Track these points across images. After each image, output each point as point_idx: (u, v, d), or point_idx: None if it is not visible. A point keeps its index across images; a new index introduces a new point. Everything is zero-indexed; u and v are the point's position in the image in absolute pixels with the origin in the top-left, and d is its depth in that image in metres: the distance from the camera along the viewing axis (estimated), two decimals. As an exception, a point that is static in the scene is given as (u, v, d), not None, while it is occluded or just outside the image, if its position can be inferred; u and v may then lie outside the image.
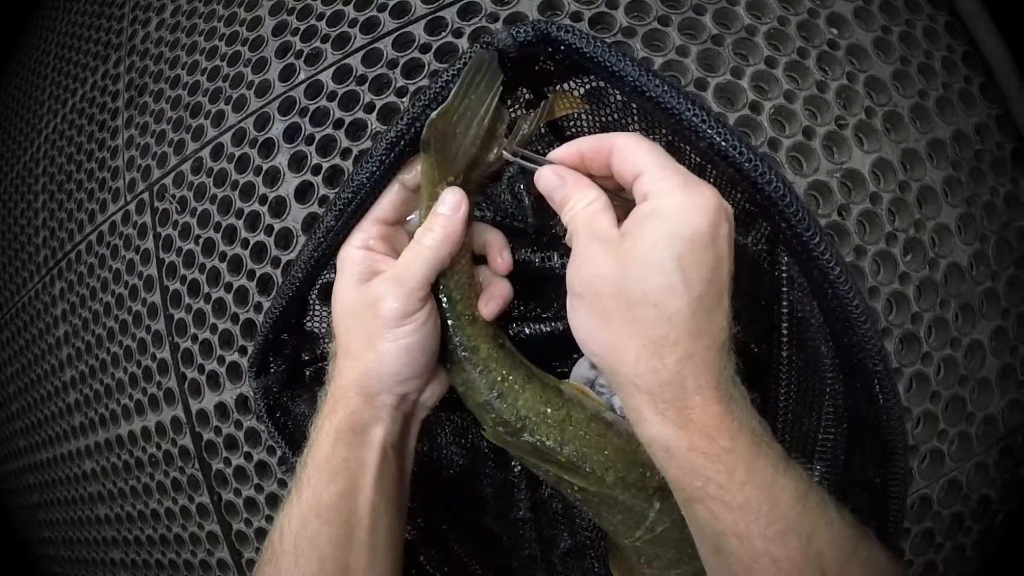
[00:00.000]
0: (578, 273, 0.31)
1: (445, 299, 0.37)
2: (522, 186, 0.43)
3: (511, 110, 0.37)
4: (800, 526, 0.28)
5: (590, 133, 0.40)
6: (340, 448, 0.35)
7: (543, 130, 0.40)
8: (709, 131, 0.31)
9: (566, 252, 0.41)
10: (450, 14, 0.55)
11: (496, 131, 0.35)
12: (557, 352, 0.44)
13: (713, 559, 0.30)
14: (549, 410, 0.37)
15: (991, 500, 0.63)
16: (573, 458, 0.36)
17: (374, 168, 0.35)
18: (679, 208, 0.29)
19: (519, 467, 0.47)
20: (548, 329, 0.43)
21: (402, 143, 0.35)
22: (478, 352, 0.37)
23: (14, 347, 0.95)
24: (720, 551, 0.29)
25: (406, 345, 0.35)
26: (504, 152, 0.36)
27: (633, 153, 0.31)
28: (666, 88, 0.31)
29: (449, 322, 0.37)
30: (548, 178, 0.34)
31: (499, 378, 0.37)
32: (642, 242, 0.29)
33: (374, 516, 0.35)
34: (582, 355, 0.44)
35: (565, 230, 0.41)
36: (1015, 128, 0.67)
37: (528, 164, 0.35)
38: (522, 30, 0.33)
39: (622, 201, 0.32)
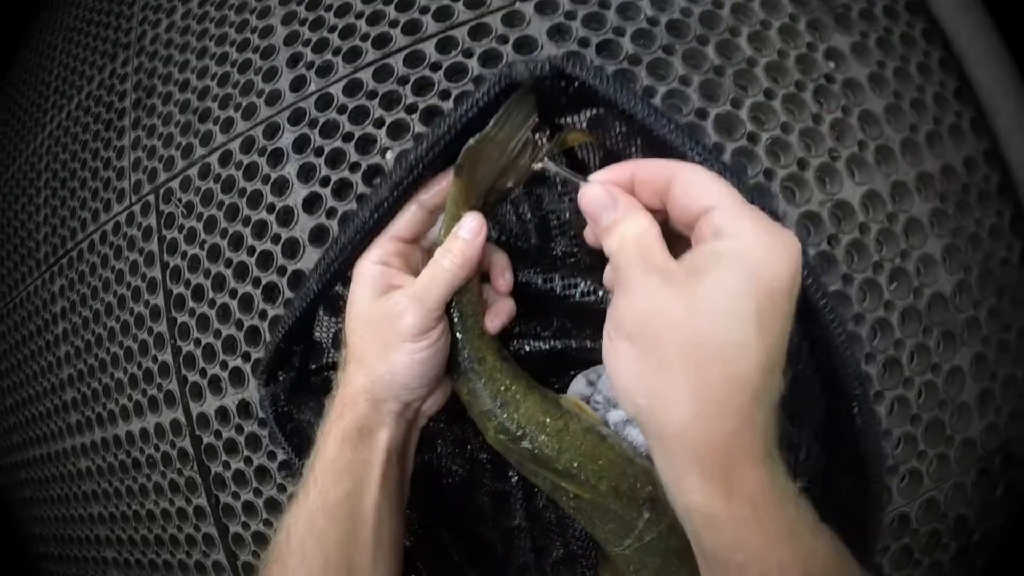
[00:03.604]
0: (631, 310, 0.28)
1: (457, 315, 0.38)
2: (526, 207, 0.45)
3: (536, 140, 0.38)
4: None
5: (594, 156, 0.42)
6: (347, 450, 0.36)
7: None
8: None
9: (566, 274, 0.43)
10: (461, 34, 0.57)
11: (519, 161, 0.37)
12: (554, 369, 0.46)
13: None
14: (548, 420, 0.38)
15: (968, 519, 0.65)
16: (570, 466, 0.38)
17: (394, 187, 0.36)
18: (763, 252, 0.26)
19: (515, 477, 0.49)
20: (547, 347, 0.45)
21: (421, 166, 0.36)
22: (484, 363, 0.39)
23: (9, 342, 0.94)
24: None
25: (420, 359, 0.36)
26: (546, 163, 0.36)
27: (703, 185, 0.29)
28: (672, 127, 0.33)
29: (459, 335, 0.39)
30: (597, 197, 0.31)
31: (502, 388, 0.39)
32: (719, 286, 0.26)
33: (378, 516, 0.37)
34: (579, 372, 0.45)
35: (573, 254, 0.42)
36: (1002, 162, 0.70)
37: (572, 178, 0.34)
38: (539, 65, 0.34)
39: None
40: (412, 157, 0.36)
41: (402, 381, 0.36)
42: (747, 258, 0.26)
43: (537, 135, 0.38)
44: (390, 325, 0.36)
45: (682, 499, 0.28)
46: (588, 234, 0.34)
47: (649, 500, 0.37)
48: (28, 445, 0.94)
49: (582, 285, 0.42)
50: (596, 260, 0.44)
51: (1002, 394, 0.65)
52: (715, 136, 0.56)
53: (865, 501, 0.42)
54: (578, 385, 0.44)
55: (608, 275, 0.34)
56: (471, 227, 0.37)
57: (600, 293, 0.41)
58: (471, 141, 0.35)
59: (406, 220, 0.38)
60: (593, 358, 0.45)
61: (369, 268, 0.38)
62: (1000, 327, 0.66)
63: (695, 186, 0.29)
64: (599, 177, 0.32)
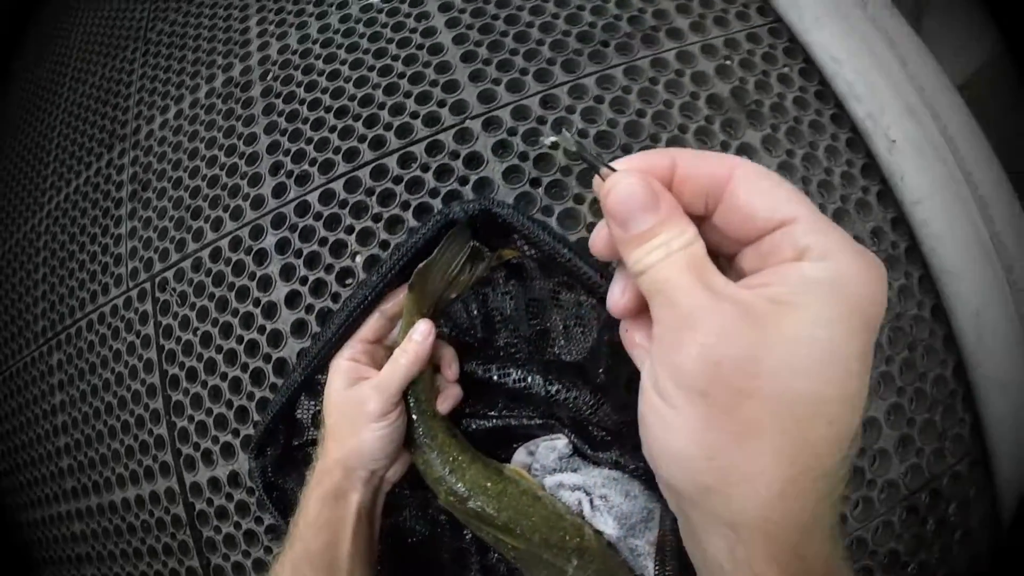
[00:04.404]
0: (701, 356, 0.21)
1: (413, 400, 0.47)
2: (474, 305, 0.54)
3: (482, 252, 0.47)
4: None
5: (530, 265, 0.50)
6: (325, 510, 0.44)
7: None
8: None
9: (501, 365, 0.51)
10: (419, 149, 0.66)
11: (460, 278, 0.46)
12: (500, 443, 0.54)
13: None
14: (489, 484, 0.46)
15: (900, 553, 0.71)
16: (507, 522, 0.45)
17: (360, 301, 0.46)
18: (859, 276, 0.21)
19: (470, 535, 0.56)
20: (490, 425, 0.53)
21: (382, 284, 0.45)
22: (436, 439, 0.48)
23: (5, 409, 0.99)
24: None
25: (382, 435, 0.45)
26: (564, 135, 0.29)
27: (774, 191, 0.23)
28: (571, 256, 0.41)
29: (414, 416, 0.47)
30: (633, 192, 0.23)
31: (451, 459, 0.47)
32: (816, 322, 0.20)
33: (351, 564, 0.44)
34: (520, 445, 0.53)
35: (514, 345, 0.50)
36: (909, 227, 0.78)
37: (594, 163, 0.26)
38: (471, 206, 0.43)
39: None
40: (375, 277, 0.45)
41: (369, 453, 0.45)
42: (844, 285, 0.21)
43: (481, 246, 0.47)
44: (359, 409, 0.45)
45: None
46: (596, 242, 0.27)
47: (577, 550, 0.45)
48: (21, 509, 0.98)
49: (514, 374, 0.50)
50: (534, 351, 0.52)
51: (922, 437, 0.72)
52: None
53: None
54: (520, 455, 0.52)
55: (617, 300, 0.28)
56: (422, 331, 0.46)
57: (529, 380, 0.50)
58: (420, 266, 0.45)
59: (371, 326, 0.47)
60: (532, 433, 0.53)
61: (342, 364, 0.47)
62: (915, 377, 0.73)
63: (764, 190, 0.23)
64: (630, 164, 0.25)
